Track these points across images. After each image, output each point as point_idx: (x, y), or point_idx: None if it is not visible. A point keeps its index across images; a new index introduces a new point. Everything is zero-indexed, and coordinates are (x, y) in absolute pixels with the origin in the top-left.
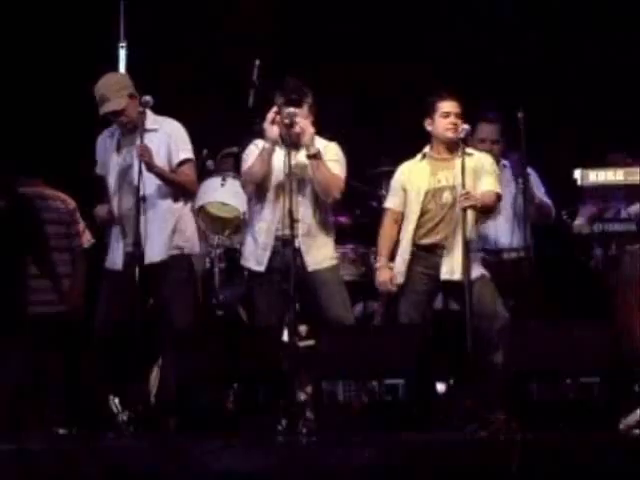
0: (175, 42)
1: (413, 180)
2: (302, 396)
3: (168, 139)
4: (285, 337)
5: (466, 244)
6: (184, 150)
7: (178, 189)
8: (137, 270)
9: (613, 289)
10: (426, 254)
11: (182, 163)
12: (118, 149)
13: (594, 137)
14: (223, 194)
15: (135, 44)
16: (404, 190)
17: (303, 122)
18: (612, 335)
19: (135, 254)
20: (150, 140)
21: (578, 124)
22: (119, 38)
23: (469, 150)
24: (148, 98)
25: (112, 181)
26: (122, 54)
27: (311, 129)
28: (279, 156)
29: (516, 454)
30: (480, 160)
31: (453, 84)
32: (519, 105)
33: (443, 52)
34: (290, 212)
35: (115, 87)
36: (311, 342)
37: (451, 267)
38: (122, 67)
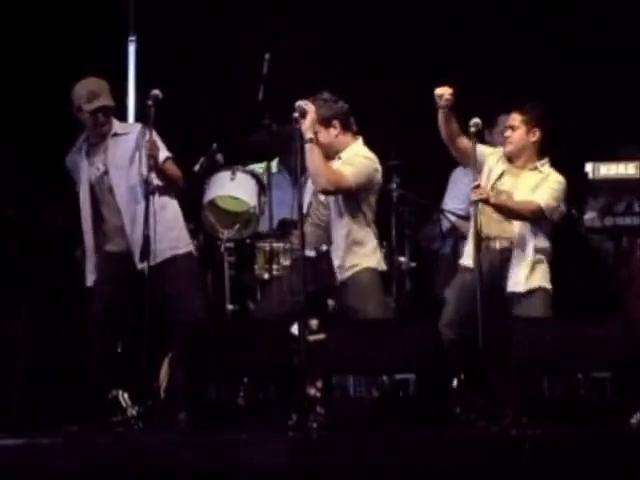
0: (185, 36)
1: (491, 164)
2: (312, 391)
3: (144, 141)
4: (296, 331)
5: (478, 235)
6: (162, 150)
7: (171, 185)
8: (147, 265)
9: (625, 283)
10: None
11: (164, 162)
12: (89, 161)
13: (606, 130)
14: (233, 188)
15: (145, 38)
16: (484, 161)
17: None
18: (623, 329)
19: (140, 248)
20: (123, 144)
21: (590, 117)
22: (129, 32)
23: (542, 168)
24: (157, 92)
25: (86, 193)
26: (132, 48)
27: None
28: None
29: (527, 449)
30: (545, 177)
31: (464, 78)
32: (531, 98)
33: (454, 45)
34: (300, 207)
35: (104, 87)
36: (322, 336)
37: (516, 279)
38: (132, 61)
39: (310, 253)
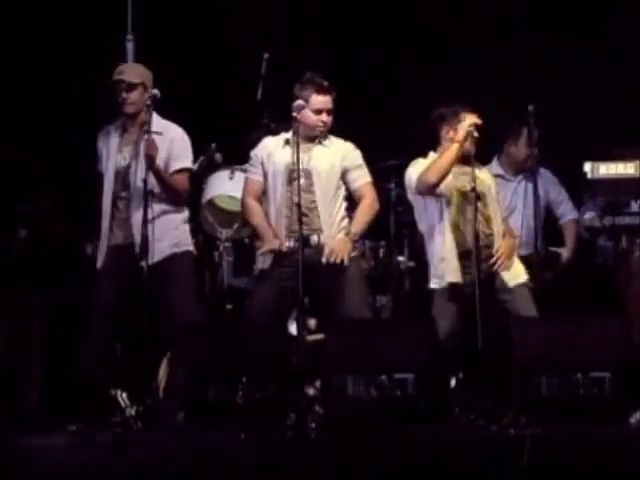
0: (183, 35)
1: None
2: (311, 390)
3: (170, 145)
4: (294, 331)
5: (477, 238)
6: (184, 159)
7: (169, 193)
8: (145, 264)
9: (623, 283)
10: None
11: (179, 171)
12: (119, 147)
13: (603, 130)
14: (232, 187)
15: (143, 37)
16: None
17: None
18: (622, 329)
19: (139, 248)
20: (151, 135)
21: (587, 116)
22: (126, 31)
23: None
24: (156, 91)
25: (110, 178)
26: (129, 47)
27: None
28: (287, 151)
29: (526, 449)
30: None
31: (463, 78)
32: (530, 98)
33: (454, 46)
34: (298, 206)
35: (134, 68)
36: (320, 336)
37: (511, 275)
38: (130, 60)
39: (291, 243)
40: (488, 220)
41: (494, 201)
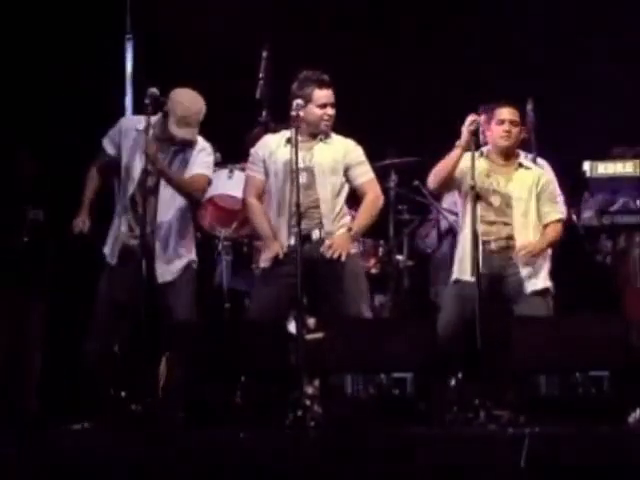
0: (182, 34)
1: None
2: (310, 390)
3: (198, 153)
4: (293, 330)
5: (475, 238)
6: (206, 168)
7: (182, 192)
8: (144, 264)
9: (622, 282)
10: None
11: (194, 175)
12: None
13: (603, 129)
14: (231, 186)
15: (142, 36)
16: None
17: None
18: (621, 328)
19: (141, 248)
20: (185, 151)
21: (587, 114)
22: (126, 30)
23: (527, 163)
24: (154, 90)
25: (132, 180)
26: (129, 46)
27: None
28: (288, 149)
29: (524, 448)
30: (536, 179)
31: (462, 77)
32: (529, 95)
33: (450, 40)
34: (297, 205)
35: (199, 117)
36: (319, 335)
37: (536, 278)
38: (129, 59)
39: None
40: (506, 223)
41: (524, 206)
